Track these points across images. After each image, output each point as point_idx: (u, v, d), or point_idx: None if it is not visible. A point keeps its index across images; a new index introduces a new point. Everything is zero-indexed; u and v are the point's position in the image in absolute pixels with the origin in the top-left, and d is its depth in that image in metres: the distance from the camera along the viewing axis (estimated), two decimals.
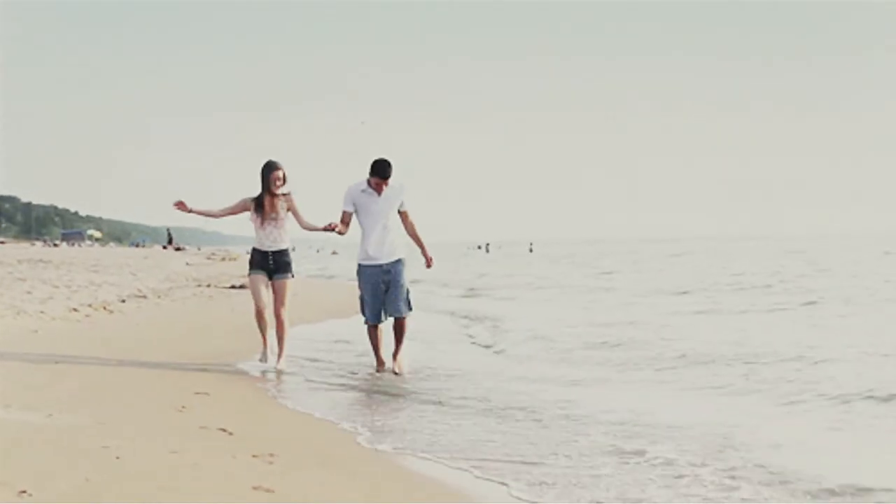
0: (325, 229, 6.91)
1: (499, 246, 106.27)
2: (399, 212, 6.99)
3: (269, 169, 6.86)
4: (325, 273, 31.40)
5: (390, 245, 6.92)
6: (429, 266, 7.34)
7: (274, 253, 6.93)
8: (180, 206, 6.97)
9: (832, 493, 3.58)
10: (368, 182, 6.82)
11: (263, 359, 6.95)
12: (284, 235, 6.96)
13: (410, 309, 6.99)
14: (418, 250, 7.21)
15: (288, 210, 6.91)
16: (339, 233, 6.90)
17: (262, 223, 6.89)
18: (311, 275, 28.50)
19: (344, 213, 6.93)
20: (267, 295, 6.93)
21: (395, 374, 6.79)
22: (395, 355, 6.93)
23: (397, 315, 6.94)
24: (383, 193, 6.82)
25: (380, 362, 7.02)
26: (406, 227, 7.07)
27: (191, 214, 7.16)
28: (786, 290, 16.99)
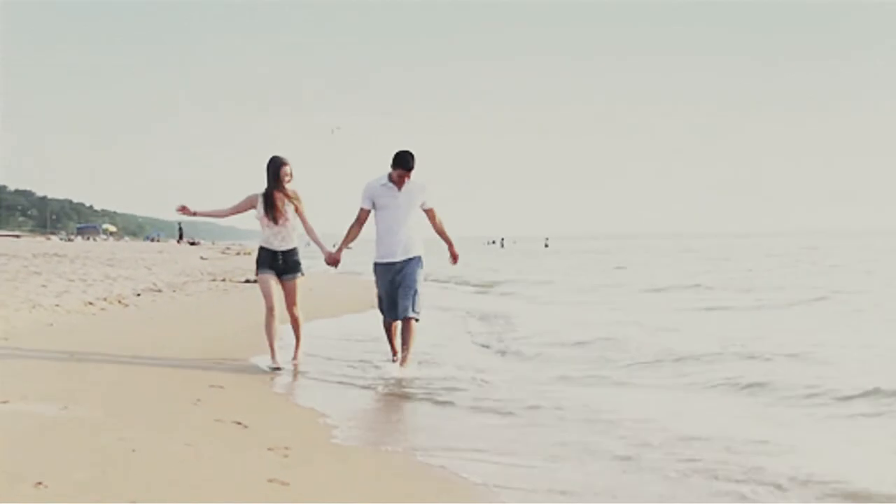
0: (328, 261, 6.87)
1: (514, 241, 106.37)
2: (425, 210, 6.83)
3: (277, 164, 6.66)
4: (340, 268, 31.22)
5: (406, 243, 6.75)
6: (454, 262, 7.22)
7: (284, 252, 6.77)
8: (183, 210, 6.84)
9: (831, 494, 3.54)
10: (389, 176, 6.66)
11: (274, 364, 6.61)
12: (292, 234, 6.80)
13: (417, 311, 6.66)
14: (444, 246, 7.13)
15: (295, 212, 6.72)
16: (348, 248, 6.90)
17: (270, 221, 6.70)
18: (320, 270, 28.37)
19: (361, 210, 6.80)
20: (278, 293, 6.77)
21: (399, 378, 6.32)
22: (402, 362, 6.59)
23: (402, 315, 6.66)
24: (404, 188, 6.66)
25: (394, 351, 6.94)
26: (434, 225, 6.93)
27: (195, 217, 7.11)
28: (791, 286, 16.88)
